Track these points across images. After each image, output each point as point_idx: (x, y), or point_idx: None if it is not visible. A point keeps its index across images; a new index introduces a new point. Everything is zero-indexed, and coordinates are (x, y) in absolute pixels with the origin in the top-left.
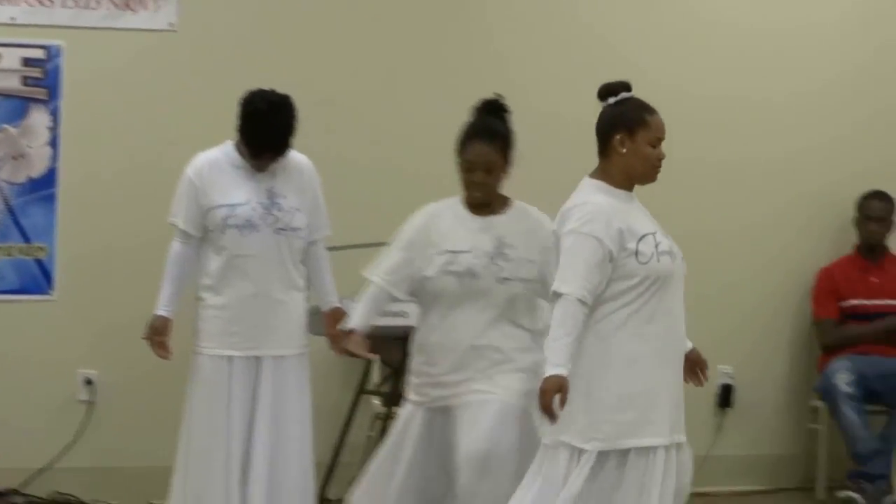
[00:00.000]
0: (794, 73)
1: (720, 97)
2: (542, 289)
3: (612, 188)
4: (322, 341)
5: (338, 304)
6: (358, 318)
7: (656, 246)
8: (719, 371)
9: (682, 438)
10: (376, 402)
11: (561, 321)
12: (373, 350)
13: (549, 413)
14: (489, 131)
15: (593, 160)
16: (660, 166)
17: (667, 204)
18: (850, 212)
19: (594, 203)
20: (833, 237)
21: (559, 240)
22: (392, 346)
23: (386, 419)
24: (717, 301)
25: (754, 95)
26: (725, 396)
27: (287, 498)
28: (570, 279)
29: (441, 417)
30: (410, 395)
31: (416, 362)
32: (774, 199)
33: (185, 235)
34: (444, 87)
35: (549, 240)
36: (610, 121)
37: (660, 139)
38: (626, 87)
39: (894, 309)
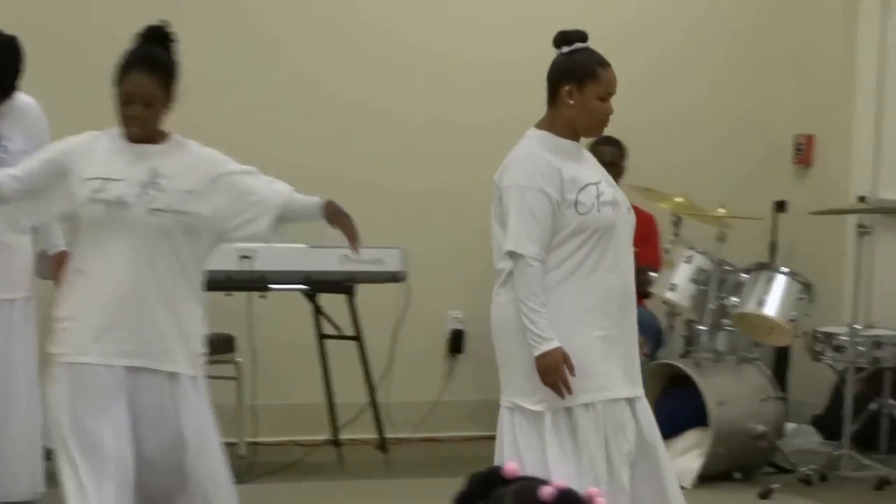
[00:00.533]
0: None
1: (478, 64)
2: (204, 223)
3: (556, 138)
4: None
5: (64, 248)
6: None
7: (598, 196)
8: (450, 316)
9: (639, 392)
10: None
11: (529, 287)
12: None
13: (566, 386)
14: (150, 61)
15: None
16: (607, 121)
17: (415, 158)
18: None
19: (537, 155)
20: None
21: (501, 192)
22: None
23: None
24: (450, 248)
25: (506, 62)
26: (456, 342)
27: (13, 463)
28: (525, 239)
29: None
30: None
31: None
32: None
33: None
34: None
35: (212, 172)
36: (560, 70)
37: (609, 93)
38: (581, 36)
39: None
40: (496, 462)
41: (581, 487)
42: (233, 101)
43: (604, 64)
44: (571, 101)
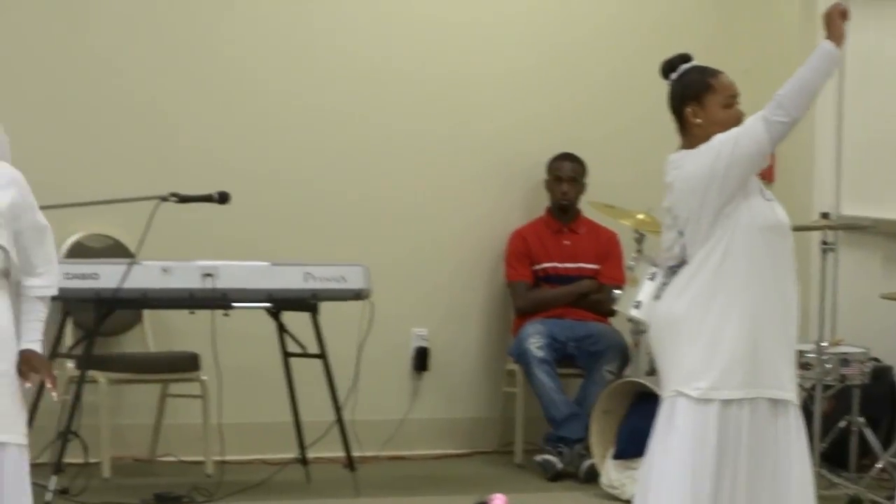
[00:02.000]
0: (503, 56)
1: (433, 78)
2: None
3: None
4: None
5: None
6: None
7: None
8: (414, 334)
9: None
10: (70, 364)
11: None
12: (66, 312)
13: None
14: None
15: None
16: (741, 123)
17: (377, 174)
18: (543, 174)
19: None
20: (526, 200)
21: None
22: (84, 308)
23: (80, 383)
24: (413, 265)
25: (461, 77)
26: (421, 359)
27: None
28: None
29: None
30: None
31: None
32: (473, 168)
33: None
34: None
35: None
36: (677, 96)
37: (732, 97)
38: (684, 58)
39: (587, 272)
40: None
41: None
42: (202, 109)
43: (714, 73)
44: (699, 120)
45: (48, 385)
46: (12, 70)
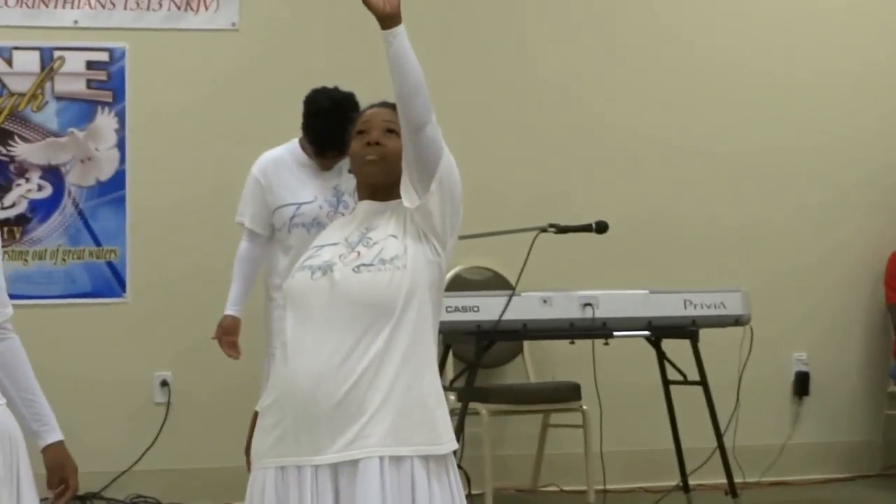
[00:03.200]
0: (857, 51)
1: (781, 81)
2: None
3: None
4: None
5: None
6: None
7: None
8: (794, 358)
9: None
10: (451, 397)
11: None
12: (447, 345)
13: None
14: None
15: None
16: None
17: (747, 196)
18: None
19: None
20: None
21: None
22: (465, 340)
23: (462, 415)
24: (789, 288)
25: (813, 75)
26: (802, 384)
27: None
28: None
29: None
30: None
31: None
32: (841, 181)
33: (252, 234)
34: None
35: None
36: None
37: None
38: None
39: None
40: None
41: None
42: (577, 143)
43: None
44: None
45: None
46: None
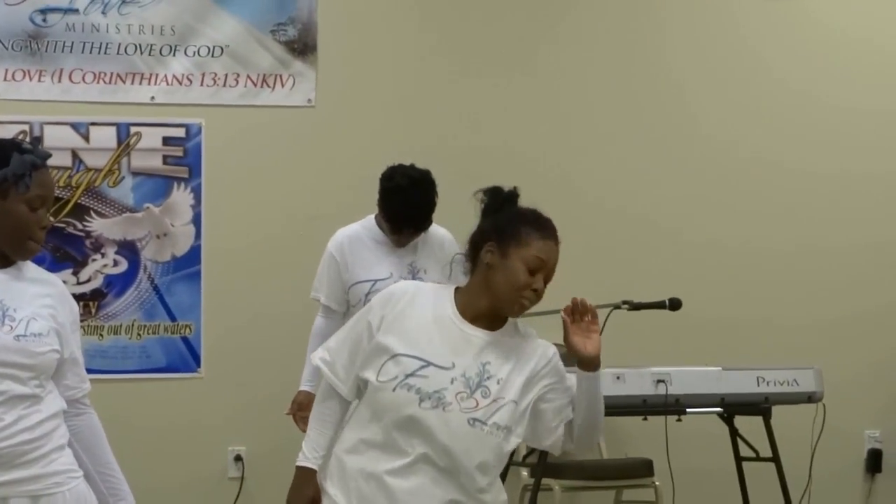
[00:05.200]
0: None
1: (875, 111)
2: None
3: None
4: None
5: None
6: None
7: None
8: (867, 436)
9: None
10: (524, 472)
11: None
12: None
13: None
14: None
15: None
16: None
17: (818, 279)
18: None
19: None
20: None
21: None
22: None
23: (535, 490)
24: (863, 365)
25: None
26: (874, 461)
27: None
28: None
29: None
30: None
31: None
32: None
33: (328, 310)
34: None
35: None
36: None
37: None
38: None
39: None
40: None
41: None
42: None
43: None
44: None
45: None
46: None
